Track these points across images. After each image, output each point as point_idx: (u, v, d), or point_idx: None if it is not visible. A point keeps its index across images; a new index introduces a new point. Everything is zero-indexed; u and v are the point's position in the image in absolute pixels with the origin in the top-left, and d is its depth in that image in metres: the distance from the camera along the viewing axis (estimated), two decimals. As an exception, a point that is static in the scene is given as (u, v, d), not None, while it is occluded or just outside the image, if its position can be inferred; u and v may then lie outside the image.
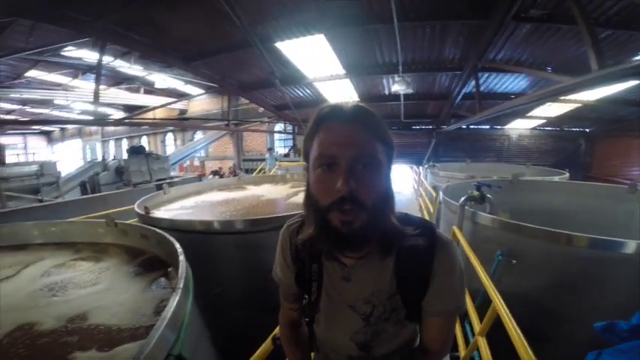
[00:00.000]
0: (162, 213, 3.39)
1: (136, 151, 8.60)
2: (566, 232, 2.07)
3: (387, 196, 0.70)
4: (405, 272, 0.77)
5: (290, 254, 0.90)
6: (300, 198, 4.01)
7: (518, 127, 12.07)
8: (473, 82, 6.76)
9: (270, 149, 11.68)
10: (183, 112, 17.07)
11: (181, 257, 1.60)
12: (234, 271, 2.62)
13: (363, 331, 0.84)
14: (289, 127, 13.06)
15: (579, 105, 8.17)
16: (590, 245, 2.00)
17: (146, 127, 18.00)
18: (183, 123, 13.98)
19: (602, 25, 4.11)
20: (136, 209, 3.09)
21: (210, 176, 11.25)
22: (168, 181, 8.77)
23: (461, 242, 2.48)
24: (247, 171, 11.37)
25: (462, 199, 2.82)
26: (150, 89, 13.83)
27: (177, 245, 1.75)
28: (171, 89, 14.60)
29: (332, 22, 4.59)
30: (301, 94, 8.55)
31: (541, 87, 6.69)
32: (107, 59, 9.63)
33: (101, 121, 9.89)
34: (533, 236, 2.24)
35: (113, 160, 9.38)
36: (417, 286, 0.77)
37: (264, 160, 11.92)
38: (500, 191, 3.80)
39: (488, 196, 2.82)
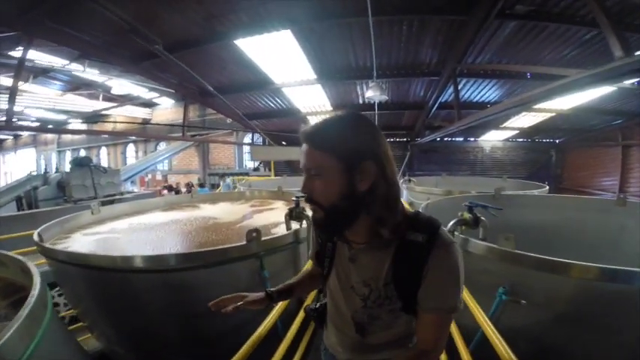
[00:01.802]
0: (77, 240, 2.72)
1: (79, 163, 7.51)
2: (594, 264, 1.63)
3: (349, 199, 0.78)
4: (401, 264, 0.81)
5: (315, 234, 1.08)
6: (258, 220, 3.39)
7: (492, 138, 12.07)
8: (450, 90, 6.48)
9: (224, 175, 10.85)
10: (146, 121, 15.94)
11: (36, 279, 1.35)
12: (154, 318, 2.06)
13: (362, 311, 0.90)
14: (259, 139, 12.30)
15: (553, 114, 8.12)
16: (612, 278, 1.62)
17: (106, 136, 16.69)
18: (128, 132, 12.92)
19: (588, 24, 3.83)
20: (35, 236, 2.29)
21: (165, 192, 10.22)
22: (118, 197, 7.89)
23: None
24: (213, 186, 10.47)
25: (451, 223, 2.25)
26: (112, 97, 12.74)
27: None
28: (134, 97, 13.60)
29: (299, 15, 4.04)
30: (271, 103, 7.91)
31: (517, 94, 6.48)
32: (61, 62, 8.72)
33: (43, 128, 8.71)
34: (545, 269, 1.75)
35: (56, 172, 8.25)
36: (410, 278, 0.80)
37: (231, 174, 11.09)
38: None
39: (482, 219, 2.27)
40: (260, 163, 12.32)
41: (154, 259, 1.94)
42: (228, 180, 10.64)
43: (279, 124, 9.56)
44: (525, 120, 9.10)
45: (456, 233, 2.25)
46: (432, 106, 7.20)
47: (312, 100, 7.52)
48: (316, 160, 0.78)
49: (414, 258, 0.79)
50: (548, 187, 5.42)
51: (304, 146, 0.81)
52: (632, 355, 1.71)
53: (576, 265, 1.67)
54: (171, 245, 2.59)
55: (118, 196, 7.92)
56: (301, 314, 1.87)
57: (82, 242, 2.65)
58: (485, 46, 4.60)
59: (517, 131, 10.58)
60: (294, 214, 2.23)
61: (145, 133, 13.61)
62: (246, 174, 12.04)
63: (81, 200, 7.36)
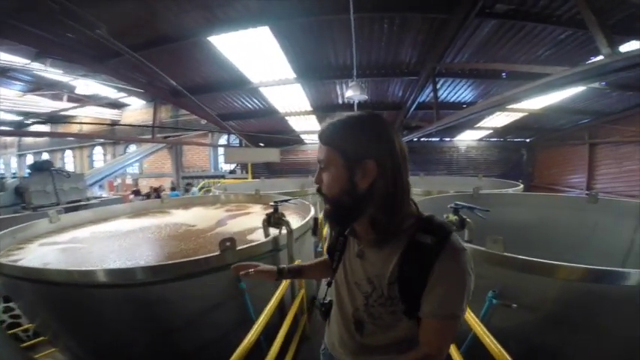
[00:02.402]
0: (32, 251, 2.47)
1: (38, 167, 6.95)
2: (581, 265, 1.61)
3: (351, 195, 0.81)
4: (407, 264, 0.79)
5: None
6: (234, 226, 3.18)
7: (466, 138, 12.37)
8: (427, 90, 6.50)
9: (189, 184, 10.47)
10: (115, 123, 15.11)
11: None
12: (122, 333, 1.88)
13: (363, 309, 0.89)
14: (236, 141, 11.92)
15: (525, 114, 8.37)
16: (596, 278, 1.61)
17: (71, 139, 15.66)
18: (95, 134, 12.01)
19: (564, 24, 3.91)
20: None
21: (131, 196, 9.64)
22: (83, 203, 7.38)
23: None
24: (187, 191, 10.00)
25: None
26: (77, 97, 11.92)
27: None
28: (101, 97, 12.83)
29: (279, 12, 3.88)
30: (247, 104, 7.63)
31: (492, 95, 6.61)
32: (22, 61, 8.04)
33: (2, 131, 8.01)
34: (534, 271, 1.72)
35: (13, 177, 7.60)
36: (415, 280, 0.78)
37: (207, 177, 10.65)
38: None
39: (468, 220, 2.21)
40: (237, 166, 11.93)
41: (116, 272, 1.77)
42: (195, 189, 10.10)
43: (256, 125, 9.30)
44: (499, 120, 9.36)
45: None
46: (410, 107, 7.21)
47: (291, 100, 7.33)
48: (324, 155, 0.84)
49: (421, 260, 0.77)
50: (522, 186, 5.58)
51: (320, 142, 0.86)
52: (621, 354, 1.68)
53: (563, 267, 1.65)
54: (137, 256, 2.35)
55: (83, 202, 7.41)
56: (285, 328, 1.74)
57: (36, 254, 2.40)
58: (464, 46, 4.61)
59: (491, 131, 10.89)
60: (272, 220, 2.06)
61: (114, 135, 12.83)
62: (222, 177, 11.62)
63: (41, 207, 6.81)
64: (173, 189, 10.20)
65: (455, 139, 12.30)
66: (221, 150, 12.47)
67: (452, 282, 0.76)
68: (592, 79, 3.27)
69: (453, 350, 1.71)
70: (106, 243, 2.74)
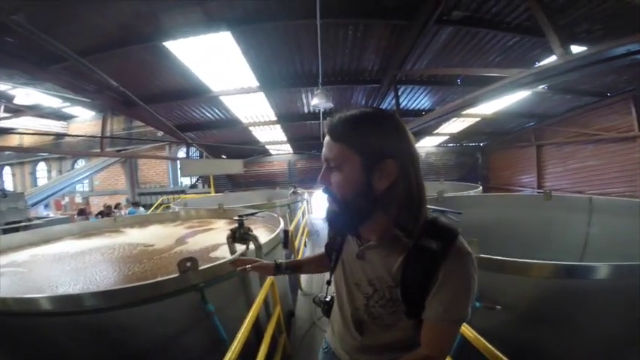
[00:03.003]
0: None
1: (-32, 187, 6.14)
2: (553, 262, 1.66)
3: (364, 196, 0.76)
4: (411, 269, 0.77)
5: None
6: (196, 244, 2.94)
7: (426, 145, 12.86)
8: (389, 98, 6.65)
9: (135, 204, 9.70)
10: (60, 137, 13.86)
11: None
12: None
13: (363, 309, 0.88)
14: (195, 153, 11.37)
15: (478, 119, 8.86)
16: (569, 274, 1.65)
17: (9, 153, 14.07)
18: (36, 148, 11.03)
19: (513, 31, 4.17)
20: None
21: (79, 217, 8.81)
22: (23, 224, 6.62)
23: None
24: (145, 207, 9.31)
25: None
26: (16, 108, 10.74)
27: None
28: (45, 108, 11.72)
29: (241, 17, 3.73)
30: (208, 114, 7.30)
31: (448, 101, 6.91)
32: None
33: None
34: (509, 271, 1.75)
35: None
36: (418, 285, 0.76)
37: (165, 193, 10.01)
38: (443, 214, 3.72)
39: None
40: (197, 180, 11.34)
41: (59, 299, 1.53)
42: (141, 209, 9.30)
43: (218, 136, 8.92)
44: (455, 125, 9.82)
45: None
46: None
47: (254, 110, 7.12)
48: (336, 153, 0.77)
49: (426, 265, 0.75)
50: (481, 187, 5.89)
51: (328, 137, 0.79)
52: (600, 347, 1.71)
53: (537, 265, 1.68)
54: (85, 280, 2.07)
55: (23, 223, 6.67)
56: (264, 349, 1.63)
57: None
58: (423, 53, 4.75)
59: (448, 137, 11.41)
60: (237, 236, 1.88)
61: (59, 149, 11.70)
62: (183, 192, 11.00)
63: (-26, 228, 6.03)
64: (135, 204, 9.37)
65: (415, 145, 12.68)
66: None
67: (458, 287, 0.74)
68: (545, 80, 3.53)
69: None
70: (49, 266, 2.42)
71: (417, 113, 7.56)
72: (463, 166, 13.02)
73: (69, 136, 11.37)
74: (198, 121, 7.67)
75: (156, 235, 3.43)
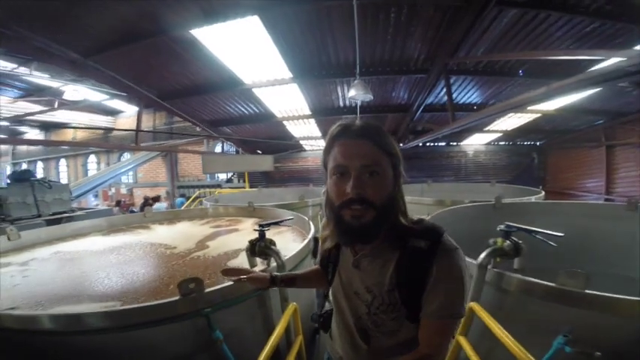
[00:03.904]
0: None
1: (18, 177, 6.46)
2: None
3: (393, 198, 0.81)
4: (404, 271, 0.80)
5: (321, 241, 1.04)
6: (217, 247, 2.66)
7: (474, 142, 11.85)
8: (436, 91, 6.01)
9: (182, 195, 9.56)
10: (108, 131, 14.70)
11: None
12: None
13: (366, 318, 0.88)
14: (231, 148, 11.38)
15: (538, 115, 7.88)
16: None
17: (66, 147, 15.25)
18: (85, 142, 11.57)
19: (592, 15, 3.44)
20: None
21: (116, 208, 9.07)
22: (67, 215, 6.89)
23: (486, 320, 1.45)
24: (175, 201, 9.46)
25: (484, 254, 1.68)
26: (68, 104, 11.51)
27: None
28: (94, 104, 12.43)
29: (269, -1, 3.40)
30: (241, 107, 7.13)
31: (504, 95, 6.13)
32: (9, 65, 7.66)
33: None
34: (619, 312, 1.30)
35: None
36: (414, 284, 0.78)
37: (202, 187, 10.07)
38: (483, 219, 3.24)
39: (523, 246, 1.71)
40: (233, 174, 11.35)
41: (26, 319, 1.30)
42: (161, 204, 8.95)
43: (252, 131, 8.77)
44: (510, 122, 8.86)
45: (489, 267, 1.70)
46: (418, 109, 6.70)
47: (288, 103, 6.83)
48: (378, 157, 0.78)
49: (418, 264, 0.78)
50: (544, 193, 5.12)
51: (362, 141, 0.78)
52: None
53: None
54: (82, 290, 1.82)
55: (67, 214, 6.95)
56: None
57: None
58: (479, 40, 4.13)
59: (500, 134, 10.37)
60: (257, 249, 1.53)
61: (106, 143, 12.36)
62: (219, 186, 11.04)
63: (20, 219, 6.36)
64: (182, 195, 9.33)
65: (462, 143, 11.77)
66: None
67: (451, 282, 0.76)
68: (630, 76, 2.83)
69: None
70: (56, 270, 2.22)
71: (468, 108, 6.82)
72: (516, 167, 11.82)
73: (105, 129, 11.82)
74: (232, 115, 7.54)
75: (181, 235, 3.21)
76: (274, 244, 1.55)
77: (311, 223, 2.59)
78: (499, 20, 3.69)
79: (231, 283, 1.47)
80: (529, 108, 7.02)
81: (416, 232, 0.80)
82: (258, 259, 1.66)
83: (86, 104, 11.95)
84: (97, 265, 2.29)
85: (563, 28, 3.79)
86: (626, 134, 8.06)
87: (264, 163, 9.19)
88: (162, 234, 3.33)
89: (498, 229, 1.73)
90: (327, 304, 1.11)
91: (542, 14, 3.53)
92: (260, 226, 1.53)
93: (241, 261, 2.16)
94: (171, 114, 7.23)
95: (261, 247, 1.52)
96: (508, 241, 1.69)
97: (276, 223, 1.62)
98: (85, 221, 3.78)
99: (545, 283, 1.43)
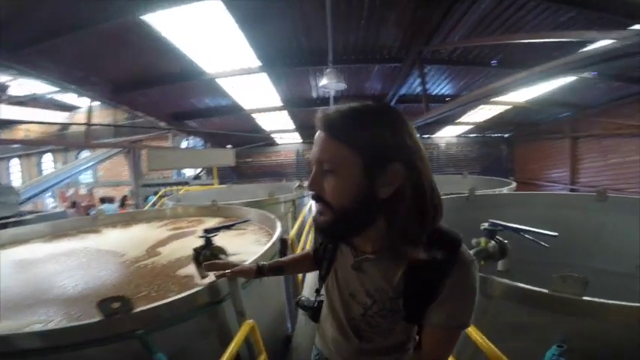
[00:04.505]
0: None
1: (-47, 180, 5.77)
2: None
3: (367, 205, 0.68)
4: (415, 281, 0.73)
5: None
6: (170, 253, 2.34)
7: (446, 135, 11.99)
8: (410, 80, 5.88)
9: (104, 199, 8.26)
10: (65, 127, 13.61)
11: None
12: None
13: (360, 319, 0.84)
14: (199, 143, 10.81)
15: (508, 107, 8.00)
16: None
17: (17, 146, 13.96)
18: (38, 141, 10.68)
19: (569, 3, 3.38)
20: None
21: (72, 210, 8.36)
22: (13, 219, 6.23)
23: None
24: (147, 199, 8.84)
25: None
26: (20, 100, 10.46)
27: None
28: (49, 100, 11.42)
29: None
30: (206, 99, 6.68)
31: (479, 86, 6.10)
32: None
33: None
34: (616, 319, 1.16)
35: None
36: (423, 297, 0.72)
37: (169, 184, 9.47)
38: (457, 212, 3.14)
39: (508, 246, 1.55)
40: (202, 170, 10.78)
41: None
42: (114, 205, 8.03)
43: (220, 125, 8.29)
44: (481, 114, 8.97)
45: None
46: (392, 100, 6.55)
47: (256, 94, 6.45)
48: (333, 153, 0.67)
49: (431, 276, 0.69)
50: (515, 184, 5.16)
51: (320, 133, 0.69)
52: None
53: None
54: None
55: (13, 219, 6.28)
56: None
57: None
58: (456, 26, 3.97)
59: (471, 126, 10.53)
60: (201, 259, 1.26)
61: (57, 140, 11.37)
62: (186, 183, 10.43)
63: (-41, 225, 5.66)
64: (104, 200, 8.10)
65: (434, 135, 11.88)
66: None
67: (463, 296, 0.70)
68: (599, 65, 2.79)
69: None
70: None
71: (440, 99, 6.76)
72: (486, 159, 12.12)
73: (52, 124, 10.81)
74: (197, 108, 7.09)
75: (133, 239, 2.86)
76: (224, 252, 1.28)
77: (278, 222, 2.32)
78: (477, 5, 3.55)
79: (172, 299, 1.22)
80: (500, 99, 7.09)
81: (431, 240, 0.70)
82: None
83: (39, 100, 10.98)
84: (26, 277, 1.95)
85: (540, 16, 3.72)
86: (589, 126, 8.36)
87: (225, 157, 8.32)
88: (113, 239, 2.96)
89: (482, 227, 1.56)
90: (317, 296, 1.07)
91: (520, 1, 3.44)
92: (205, 231, 1.25)
93: (194, 269, 1.88)
94: (130, 108, 6.65)
95: (206, 257, 1.25)
96: (493, 242, 1.52)
97: (227, 227, 1.35)
98: (26, 227, 3.34)
99: (539, 289, 1.25)
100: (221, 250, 1.27)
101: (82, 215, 7.17)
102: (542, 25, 3.84)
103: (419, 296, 0.72)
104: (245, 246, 2.28)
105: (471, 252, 1.46)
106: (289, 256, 1.19)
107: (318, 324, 1.04)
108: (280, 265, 1.15)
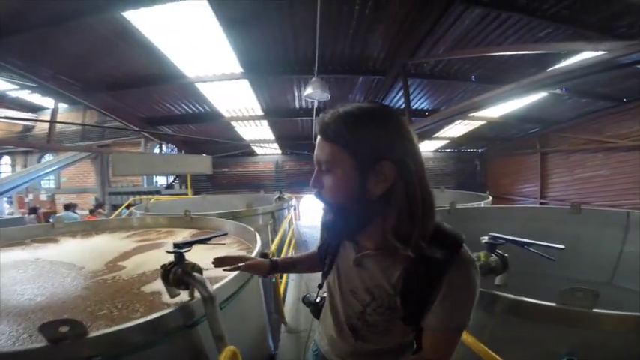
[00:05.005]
0: None
1: None
2: None
3: (361, 202, 0.71)
4: (413, 279, 0.73)
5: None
6: (137, 266, 2.11)
7: (423, 150, 12.18)
8: (394, 93, 5.93)
9: (69, 206, 7.30)
10: (28, 129, 12.75)
11: None
12: None
13: (359, 316, 0.84)
14: (172, 149, 10.36)
15: (483, 122, 8.26)
16: None
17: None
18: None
19: (548, 19, 3.51)
20: None
21: (32, 217, 7.70)
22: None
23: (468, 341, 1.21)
24: (115, 207, 8.29)
25: None
26: None
27: None
28: (12, 99, 10.67)
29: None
30: (183, 105, 6.40)
31: (457, 101, 6.25)
32: None
33: None
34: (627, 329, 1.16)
35: None
36: (420, 295, 0.73)
37: (137, 193, 8.94)
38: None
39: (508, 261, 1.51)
40: (175, 179, 10.28)
41: None
42: (75, 213, 6.98)
43: (196, 132, 7.97)
44: (457, 129, 9.21)
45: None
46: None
47: (237, 102, 6.26)
48: (328, 154, 0.72)
49: (429, 275, 0.70)
50: (491, 198, 5.32)
51: (320, 138, 0.75)
52: None
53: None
54: None
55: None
56: None
57: None
58: (441, 39, 4.05)
59: (447, 141, 10.78)
60: (171, 278, 1.09)
61: (22, 142, 10.56)
62: (158, 192, 9.90)
63: None
64: (69, 207, 7.23)
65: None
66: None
67: (461, 296, 0.70)
68: (570, 81, 2.98)
69: None
70: None
71: (420, 113, 6.87)
72: (461, 174, 12.43)
73: (11, 120, 10.01)
74: (174, 114, 6.78)
75: (94, 250, 2.58)
76: (198, 270, 1.11)
77: (257, 235, 2.16)
78: (462, 19, 3.63)
79: (138, 322, 1.04)
80: (476, 115, 7.30)
81: (433, 238, 0.71)
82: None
83: (3, 98, 10.23)
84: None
85: (521, 30, 3.85)
86: (558, 141, 8.78)
87: (201, 165, 7.69)
88: (71, 249, 2.65)
89: (483, 241, 1.48)
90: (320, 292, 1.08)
91: (504, 15, 3.54)
92: (176, 246, 1.08)
93: (161, 286, 1.67)
94: (101, 110, 6.25)
95: (176, 275, 1.07)
96: (494, 256, 1.45)
97: (202, 241, 1.18)
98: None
99: (547, 303, 1.21)
100: (194, 267, 1.10)
101: (41, 223, 6.57)
102: (522, 39, 3.98)
103: (416, 294, 0.72)
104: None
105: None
106: (301, 253, 1.18)
107: (319, 320, 1.05)
108: (293, 261, 1.16)
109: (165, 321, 1.11)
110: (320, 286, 1.02)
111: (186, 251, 1.10)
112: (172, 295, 1.22)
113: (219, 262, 1.08)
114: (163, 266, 1.11)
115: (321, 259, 0.98)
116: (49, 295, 1.60)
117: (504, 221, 3.61)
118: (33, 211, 8.10)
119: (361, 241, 0.82)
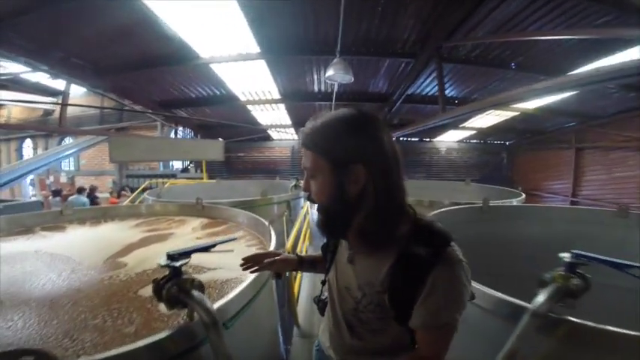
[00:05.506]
0: None
1: None
2: None
3: (340, 204, 0.76)
4: (399, 276, 0.75)
5: None
6: (131, 267, 1.90)
7: (447, 139, 11.68)
8: (423, 77, 5.49)
9: (81, 189, 7.07)
10: (48, 113, 12.93)
11: None
12: None
13: (353, 313, 0.86)
14: (188, 135, 10.27)
15: (516, 114, 7.69)
16: None
17: (-3, 129, 13.25)
18: (20, 125, 9.98)
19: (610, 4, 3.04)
20: None
21: (56, 199, 7.75)
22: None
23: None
24: (132, 190, 8.26)
25: (545, 297, 1.06)
26: (3, 83, 9.81)
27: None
28: (32, 84, 10.78)
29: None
30: (197, 87, 6.18)
31: (491, 90, 5.77)
32: None
33: None
34: None
35: None
36: (406, 292, 0.74)
37: (153, 176, 8.88)
38: (471, 224, 2.92)
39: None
40: (190, 163, 10.22)
41: None
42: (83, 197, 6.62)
43: (211, 115, 7.77)
44: (486, 120, 8.66)
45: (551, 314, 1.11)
46: (399, 99, 6.16)
47: (253, 84, 5.96)
48: (310, 162, 0.79)
49: (413, 273, 0.72)
50: (524, 195, 4.84)
51: (304, 148, 0.81)
52: None
53: None
54: None
55: (-18, 207, 5.71)
56: None
57: None
58: (482, 22, 3.61)
59: (474, 131, 10.22)
60: (164, 294, 0.84)
61: (40, 126, 10.71)
62: (173, 176, 9.88)
63: None
64: (81, 190, 7.00)
65: (435, 139, 11.56)
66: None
67: (445, 294, 0.70)
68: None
69: None
70: None
71: (449, 101, 6.39)
72: (485, 166, 11.85)
73: (23, 103, 10.05)
74: (188, 96, 6.59)
75: (99, 241, 2.39)
76: (200, 287, 0.86)
77: (272, 231, 1.89)
78: (507, 3, 3.20)
79: (128, 348, 0.79)
80: (511, 105, 6.77)
81: (419, 236, 0.73)
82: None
83: (23, 83, 10.31)
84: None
85: (577, 16, 3.38)
86: (596, 137, 8.13)
87: (212, 150, 7.20)
88: (74, 240, 2.46)
89: (563, 259, 1.17)
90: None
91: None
92: (169, 257, 0.83)
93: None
94: (114, 93, 6.11)
95: (170, 292, 0.82)
96: (575, 276, 1.13)
97: (205, 249, 0.92)
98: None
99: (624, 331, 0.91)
100: (194, 284, 0.84)
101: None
102: (579, 25, 3.50)
103: (402, 292, 0.73)
104: (230, 258, 1.83)
105: (550, 290, 1.10)
106: (317, 253, 1.17)
107: (324, 317, 1.08)
108: (314, 261, 1.17)
109: (160, 346, 0.87)
110: (323, 283, 1.04)
111: (183, 265, 0.84)
112: (170, 309, 0.98)
113: (248, 260, 1.04)
114: (155, 280, 0.86)
115: (324, 257, 1.02)
116: (35, 298, 1.39)
117: (542, 222, 3.21)
118: (57, 193, 8.14)
119: (351, 240, 0.84)
